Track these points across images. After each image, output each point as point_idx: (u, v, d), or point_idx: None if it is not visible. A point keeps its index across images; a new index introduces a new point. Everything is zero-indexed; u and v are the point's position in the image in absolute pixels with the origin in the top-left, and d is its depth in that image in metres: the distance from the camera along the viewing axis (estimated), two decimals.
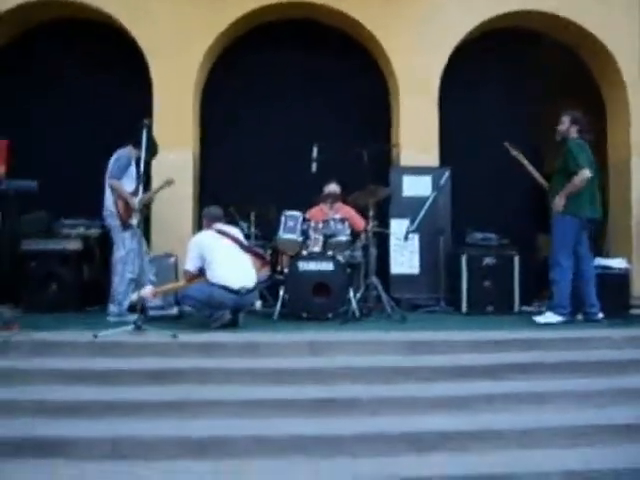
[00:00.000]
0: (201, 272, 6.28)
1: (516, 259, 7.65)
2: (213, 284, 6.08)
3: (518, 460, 4.04)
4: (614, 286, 7.25)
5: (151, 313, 6.59)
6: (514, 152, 7.15)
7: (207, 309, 6.16)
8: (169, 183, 7.04)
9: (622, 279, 7.46)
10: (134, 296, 6.27)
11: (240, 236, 6.63)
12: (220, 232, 6.41)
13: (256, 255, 6.77)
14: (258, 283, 6.56)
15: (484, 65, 8.93)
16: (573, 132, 6.81)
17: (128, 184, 6.61)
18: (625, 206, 8.59)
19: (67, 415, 4.41)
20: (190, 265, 6.32)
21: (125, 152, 6.72)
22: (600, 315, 6.58)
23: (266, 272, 7.33)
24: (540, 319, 6.56)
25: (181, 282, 6.62)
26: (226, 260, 6.20)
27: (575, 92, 9.52)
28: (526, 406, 4.60)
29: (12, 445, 4.09)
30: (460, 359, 5.19)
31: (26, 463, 3.96)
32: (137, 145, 6.35)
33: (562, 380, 4.92)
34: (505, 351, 5.35)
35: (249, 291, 6.22)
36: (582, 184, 6.49)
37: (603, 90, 9.16)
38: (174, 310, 6.92)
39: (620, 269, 7.46)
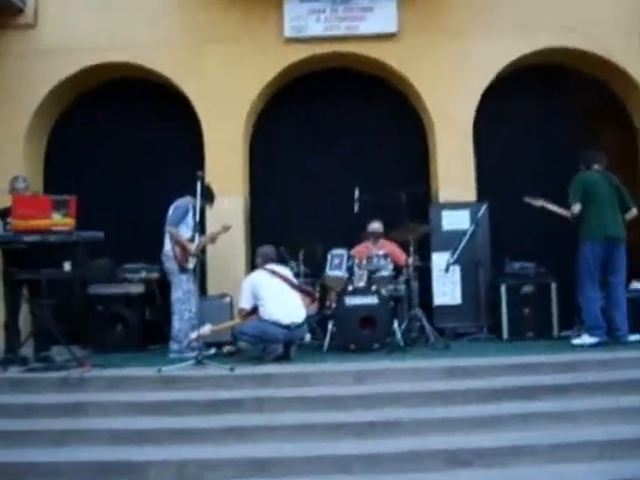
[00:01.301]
0: (254, 310, 6.78)
1: (553, 286, 7.95)
2: (265, 320, 6.58)
3: (549, 473, 4.39)
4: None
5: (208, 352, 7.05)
6: (537, 203, 7.54)
7: (261, 344, 6.64)
8: (226, 229, 7.58)
9: None
10: (194, 334, 6.78)
11: (290, 275, 7.11)
12: (272, 272, 6.91)
13: (305, 292, 7.23)
14: (307, 318, 7.04)
15: (517, 101, 9.28)
16: (582, 170, 7.28)
17: (185, 231, 7.15)
18: None
19: (138, 442, 4.91)
20: (244, 303, 6.83)
21: (183, 201, 7.24)
22: (632, 337, 6.87)
23: (315, 308, 7.78)
24: (576, 341, 6.91)
25: (236, 320, 7.12)
26: (277, 298, 6.71)
27: (607, 123, 9.90)
28: (557, 424, 4.94)
29: (91, 469, 4.60)
30: (496, 382, 5.56)
31: None
32: (194, 195, 6.86)
33: (592, 399, 5.25)
34: (539, 373, 5.70)
35: (298, 326, 6.71)
36: (573, 215, 7.14)
37: (634, 121, 9.42)
38: (230, 347, 7.43)
39: None
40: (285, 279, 6.94)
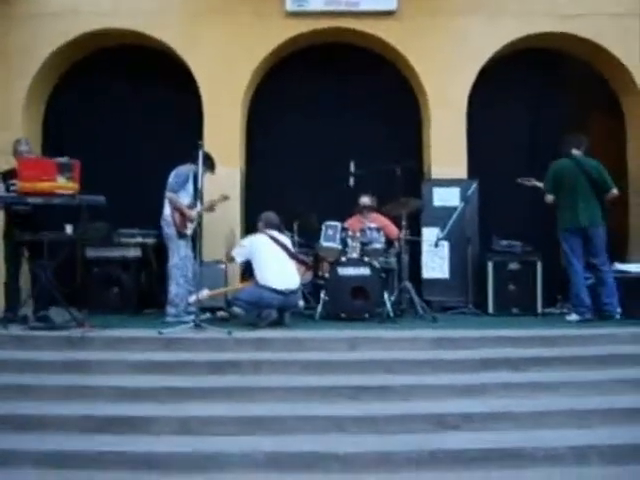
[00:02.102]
0: (251, 274, 7.01)
1: (539, 264, 8.20)
2: (262, 286, 6.80)
3: (530, 438, 4.66)
4: (633, 289, 7.75)
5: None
6: (529, 184, 7.85)
7: (256, 309, 6.87)
8: (225, 198, 7.76)
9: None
10: (192, 298, 6.99)
11: (288, 243, 7.34)
12: (272, 238, 7.14)
13: (300, 261, 7.46)
14: (301, 285, 7.28)
15: (511, 82, 9.46)
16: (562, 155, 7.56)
17: (184, 197, 7.34)
18: None
19: (141, 399, 5.14)
20: (237, 255, 7.16)
21: (184, 169, 7.41)
22: (619, 310, 7.19)
23: (309, 276, 8.02)
24: (568, 318, 7.26)
25: (233, 286, 7.35)
26: (274, 264, 6.95)
27: (596, 105, 10.12)
28: (539, 393, 5.22)
29: (97, 423, 4.82)
30: (482, 353, 5.82)
31: (109, 438, 4.67)
32: (195, 162, 7.01)
33: (572, 372, 5.54)
34: (522, 346, 5.97)
35: (293, 292, 6.94)
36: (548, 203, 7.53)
37: (622, 102, 9.64)
38: (224, 312, 7.65)
39: (638, 273, 7.94)
40: (283, 247, 7.15)
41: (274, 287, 6.84)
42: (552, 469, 4.40)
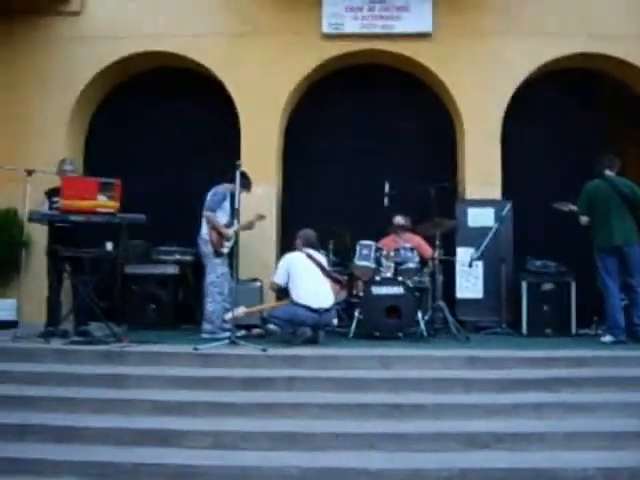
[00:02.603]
0: (287, 293, 7.12)
1: (573, 285, 8.23)
2: (297, 304, 6.91)
3: (559, 459, 4.67)
4: None
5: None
6: (565, 208, 7.76)
7: (290, 327, 6.98)
8: (261, 217, 7.89)
9: None
10: (228, 315, 7.12)
11: (324, 262, 7.45)
12: (308, 255, 7.25)
13: (335, 280, 7.55)
14: (335, 304, 7.37)
15: (544, 102, 9.53)
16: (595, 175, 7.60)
17: (222, 216, 7.49)
18: None
19: (175, 413, 5.24)
20: (278, 278, 7.21)
21: (221, 188, 7.58)
22: None
23: (343, 295, 8.10)
24: (603, 339, 7.26)
25: (269, 304, 7.48)
26: (309, 282, 7.07)
27: (631, 124, 10.12)
28: (570, 414, 5.22)
29: (134, 435, 4.92)
30: (514, 373, 5.85)
31: (146, 450, 4.78)
32: (231, 182, 7.16)
33: (604, 393, 5.51)
34: (555, 367, 5.98)
35: (327, 310, 7.04)
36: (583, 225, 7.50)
37: None
38: (260, 329, 7.77)
39: None
40: (319, 265, 7.26)
41: (308, 305, 6.95)
42: None
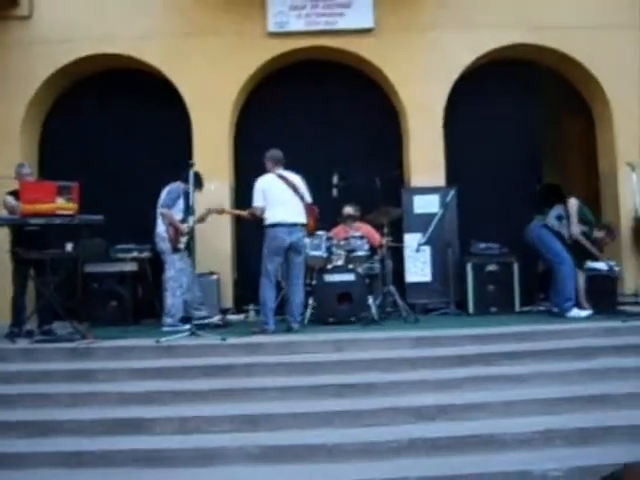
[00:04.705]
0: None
1: (515, 266, 8.69)
2: (272, 224, 7.25)
3: (501, 425, 5.10)
4: (603, 286, 8.27)
5: (198, 322, 7.57)
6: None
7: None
8: (210, 211, 8.13)
9: (609, 279, 8.36)
10: (202, 313, 7.79)
11: (297, 180, 7.59)
12: (280, 176, 7.48)
13: (307, 207, 7.63)
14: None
15: (485, 92, 9.86)
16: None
17: (177, 213, 7.76)
18: (614, 212, 9.51)
19: (143, 402, 5.57)
20: (257, 202, 7.42)
21: (175, 186, 7.87)
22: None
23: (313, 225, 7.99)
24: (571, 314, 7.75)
25: (245, 211, 7.84)
26: (281, 200, 7.32)
27: (569, 112, 10.65)
28: (509, 385, 5.67)
29: (104, 425, 5.24)
30: (458, 350, 6.27)
31: (117, 438, 5.10)
32: (185, 181, 7.48)
33: (540, 364, 5.99)
34: (496, 342, 6.43)
35: (299, 225, 7.35)
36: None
37: (592, 108, 10.12)
38: (219, 320, 8.10)
39: (607, 270, 8.38)
40: (290, 184, 7.46)
41: (281, 221, 7.21)
42: (521, 452, 4.84)
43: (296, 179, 7.58)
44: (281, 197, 7.35)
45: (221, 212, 8.14)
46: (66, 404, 5.56)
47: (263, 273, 7.29)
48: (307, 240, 7.81)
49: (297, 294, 7.40)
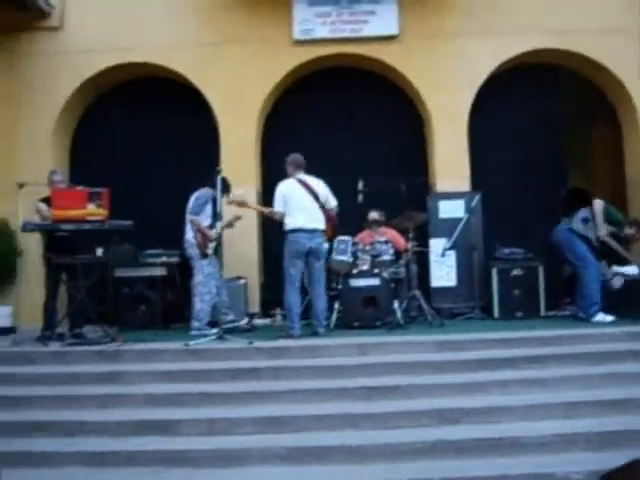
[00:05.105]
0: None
1: (540, 270, 8.70)
2: (292, 230, 7.34)
3: (521, 428, 5.15)
4: (631, 290, 8.22)
5: (226, 326, 7.69)
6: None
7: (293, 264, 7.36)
8: (238, 218, 8.28)
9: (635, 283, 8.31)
10: (229, 317, 7.93)
11: (317, 186, 7.63)
12: (300, 181, 7.57)
13: (328, 217, 7.69)
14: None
15: (511, 97, 9.94)
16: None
17: (205, 219, 7.88)
18: None
19: (170, 405, 5.68)
20: (278, 207, 7.51)
21: (203, 192, 7.98)
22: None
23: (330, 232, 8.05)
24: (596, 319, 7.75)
25: (269, 208, 7.87)
26: (300, 206, 7.40)
27: (595, 116, 10.63)
28: (532, 389, 5.70)
29: (131, 426, 5.36)
30: (483, 353, 6.31)
31: (144, 439, 5.21)
32: (213, 187, 7.60)
33: (563, 368, 6.01)
34: (520, 347, 6.44)
35: (318, 231, 7.41)
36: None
37: (618, 113, 10.11)
38: (246, 324, 8.21)
39: (633, 275, 8.33)
40: (310, 189, 7.52)
41: (300, 227, 7.30)
42: (542, 455, 4.87)
43: (317, 184, 7.65)
44: (301, 203, 7.42)
45: (243, 205, 8.20)
46: (93, 405, 5.70)
47: (286, 279, 7.39)
48: (327, 245, 7.90)
49: (319, 299, 7.48)
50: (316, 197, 7.52)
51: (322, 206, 7.56)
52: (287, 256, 7.40)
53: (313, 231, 7.37)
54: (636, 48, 9.47)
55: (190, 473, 4.83)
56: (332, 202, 7.71)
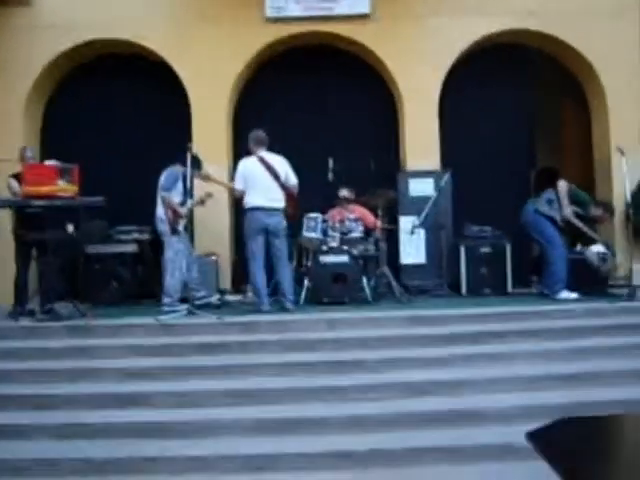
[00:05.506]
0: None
1: (508, 248, 8.85)
2: (250, 209, 7.45)
3: (485, 400, 5.32)
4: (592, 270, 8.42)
5: (197, 302, 7.80)
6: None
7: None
8: (209, 195, 8.33)
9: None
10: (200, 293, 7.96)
11: (278, 164, 7.64)
12: (260, 159, 7.62)
13: (289, 196, 7.75)
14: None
15: (480, 76, 9.96)
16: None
17: (176, 196, 7.92)
18: (608, 197, 9.58)
19: (142, 378, 5.78)
20: (238, 185, 7.63)
21: (174, 169, 8.00)
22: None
23: (294, 211, 8.04)
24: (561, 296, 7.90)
25: (231, 183, 8.13)
26: (259, 185, 7.46)
27: (564, 98, 10.77)
28: (496, 362, 5.87)
29: (104, 399, 5.46)
30: (448, 329, 6.46)
31: (115, 411, 5.31)
32: (184, 164, 7.65)
33: (525, 343, 6.19)
34: (484, 322, 6.61)
35: (275, 210, 7.47)
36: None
37: (587, 95, 10.25)
38: (216, 300, 8.29)
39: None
40: (270, 168, 7.56)
41: (259, 205, 7.39)
42: (502, 426, 5.03)
43: (278, 162, 7.69)
44: (260, 182, 7.48)
45: (206, 179, 8.28)
46: (65, 379, 5.77)
47: (249, 256, 7.50)
48: (285, 223, 7.83)
49: (283, 275, 7.56)
50: (276, 176, 7.56)
51: (282, 185, 7.61)
52: (247, 233, 7.51)
53: (271, 210, 7.44)
54: (605, 30, 9.58)
55: (163, 443, 4.93)
56: (292, 180, 7.74)
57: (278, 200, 7.55)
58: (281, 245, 7.57)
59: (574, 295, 7.84)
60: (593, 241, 8.40)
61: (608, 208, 8.56)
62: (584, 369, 5.72)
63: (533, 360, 5.91)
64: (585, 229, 8.30)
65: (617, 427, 2.54)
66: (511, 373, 5.67)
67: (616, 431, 2.51)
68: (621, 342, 6.20)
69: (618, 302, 7.14)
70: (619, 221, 9.49)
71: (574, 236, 8.35)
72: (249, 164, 7.62)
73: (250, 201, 7.48)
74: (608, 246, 8.40)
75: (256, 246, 7.44)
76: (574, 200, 8.24)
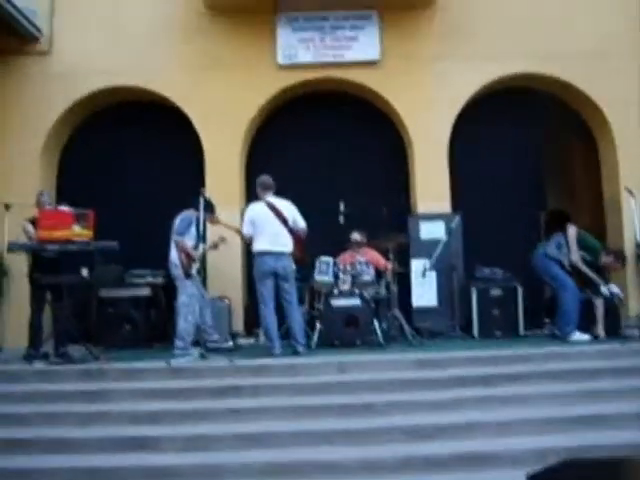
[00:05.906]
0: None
1: (519, 290, 8.85)
2: (258, 253, 7.55)
3: (494, 444, 5.30)
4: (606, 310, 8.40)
5: (210, 345, 7.88)
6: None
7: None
8: (222, 240, 8.42)
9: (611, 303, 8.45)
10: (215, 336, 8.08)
11: (286, 209, 7.76)
12: (268, 204, 7.71)
13: (297, 240, 7.81)
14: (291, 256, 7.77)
15: (490, 120, 10.06)
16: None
17: (189, 240, 8.01)
18: (619, 238, 9.63)
19: (152, 422, 5.80)
20: (246, 230, 7.75)
21: (188, 214, 8.10)
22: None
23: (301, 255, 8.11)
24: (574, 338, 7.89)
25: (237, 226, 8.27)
26: (267, 230, 7.55)
27: (572, 139, 10.84)
28: (505, 405, 5.85)
29: (114, 443, 5.49)
30: (459, 371, 6.47)
31: (126, 455, 5.34)
32: (197, 208, 7.72)
33: (536, 386, 6.18)
34: (495, 364, 6.61)
35: (283, 254, 7.55)
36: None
37: (595, 136, 10.31)
38: (229, 343, 8.34)
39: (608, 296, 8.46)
40: (278, 213, 7.66)
41: (266, 250, 7.47)
42: (514, 470, 4.99)
43: (285, 206, 7.80)
44: (269, 227, 7.59)
45: (216, 223, 8.37)
46: (77, 423, 5.82)
47: (260, 299, 7.57)
48: (294, 266, 7.91)
49: (293, 318, 7.61)
50: (284, 220, 7.67)
51: (291, 229, 7.70)
52: (256, 278, 7.62)
53: (279, 254, 7.54)
54: (610, 70, 9.68)
55: None
56: (301, 223, 7.85)
57: (286, 244, 7.64)
58: (290, 289, 7.63)
59: (586, 337, 7.83)
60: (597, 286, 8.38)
61: (619, 256, 8.55)
62: (597, 411, 5.70)
63: (545, 402, 5.89)
64: (591, 275, 8.25)
65: (618, 470, 2.55)
66: (523, 415, 5.66)
67: (617, 474, 2.52)
68: (635, 384, 6.16)
69: (631, 343, 7.10)
70: (631, 262, 9.47)
71: (583, 282, 8.33)
72: (257, 209, 7.73)
73: (258, 246, 7.58)
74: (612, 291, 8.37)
75: (266, 290, 7.50)
76: (583, 245, 8.26)
